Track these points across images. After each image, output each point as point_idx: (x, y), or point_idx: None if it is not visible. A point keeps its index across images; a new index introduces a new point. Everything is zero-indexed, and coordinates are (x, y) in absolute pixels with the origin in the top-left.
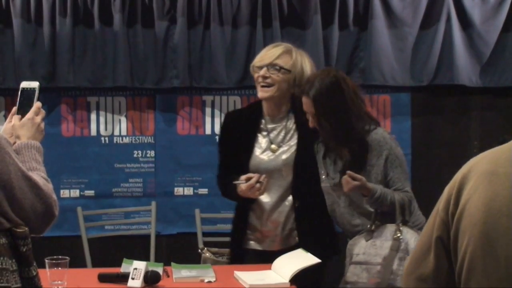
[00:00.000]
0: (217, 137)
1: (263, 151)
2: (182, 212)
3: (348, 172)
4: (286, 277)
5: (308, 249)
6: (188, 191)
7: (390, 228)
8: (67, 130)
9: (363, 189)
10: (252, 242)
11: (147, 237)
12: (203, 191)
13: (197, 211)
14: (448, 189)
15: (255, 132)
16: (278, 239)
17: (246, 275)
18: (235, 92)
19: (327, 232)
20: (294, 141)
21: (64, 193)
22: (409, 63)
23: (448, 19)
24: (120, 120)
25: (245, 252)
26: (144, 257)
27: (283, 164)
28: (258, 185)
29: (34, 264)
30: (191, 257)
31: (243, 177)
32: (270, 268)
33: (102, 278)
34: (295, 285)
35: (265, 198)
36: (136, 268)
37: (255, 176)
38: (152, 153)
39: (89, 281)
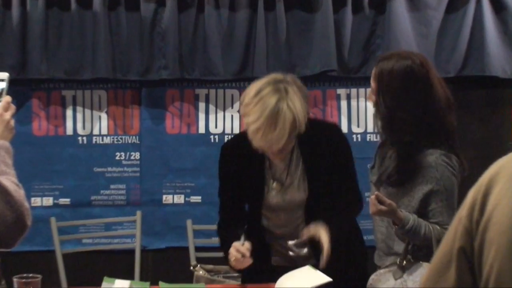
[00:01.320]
0: (212, 137)
1: (270, 189)
2: (171, 223)
3: (377, 193)
4: None
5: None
6: (179, 199)
7: (425, 267)
8: (39, 129)
9: (392, 216)
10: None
11: (131, 252)
12: (196, 199)
13: (188, 222)
14: (473, 194)
15: (262, 170)
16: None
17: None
18: (233, 85)
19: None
20: (300, 173)
21: (36, 201)
22: (433, 52)
23: (479, 1)
24: (100, 117)
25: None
26: (128, 275)
27: (292, 203)
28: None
29: (3, 282)
30: (182, 276)
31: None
32: None
33: None
34: None
35: (278, 230)
36: None
37: (243, 252)
38: (137, 155)
39: None
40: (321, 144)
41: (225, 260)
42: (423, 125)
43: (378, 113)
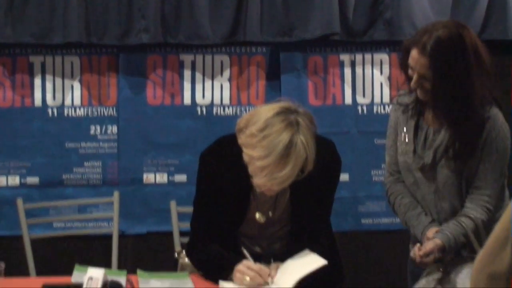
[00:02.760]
0: (198, 109)
1: (251, 220)
2: (153, 205)
3: (421, 251)
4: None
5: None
6: (161, 178)
7: (469, 267)
8: (3, 99)
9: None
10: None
11: (107, 237)
12: (181, 178)
13: (172, 203)
14: None
15: (246, 197)
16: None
17: (235, 286)
18: (222, 50)
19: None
20: (286, 204)
21: (0, 180)
22: (449, 13)
23: None
24: (72, 87)
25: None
26: (104, 263)
27: (274, 235)
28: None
29: None
30: (165, 263)
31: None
32: None
33: None
34: None
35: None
36: (92, 278)
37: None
38: (115, 128)
39: None
40: (312, 169)
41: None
42: (480, 91)
43: (432, 98)
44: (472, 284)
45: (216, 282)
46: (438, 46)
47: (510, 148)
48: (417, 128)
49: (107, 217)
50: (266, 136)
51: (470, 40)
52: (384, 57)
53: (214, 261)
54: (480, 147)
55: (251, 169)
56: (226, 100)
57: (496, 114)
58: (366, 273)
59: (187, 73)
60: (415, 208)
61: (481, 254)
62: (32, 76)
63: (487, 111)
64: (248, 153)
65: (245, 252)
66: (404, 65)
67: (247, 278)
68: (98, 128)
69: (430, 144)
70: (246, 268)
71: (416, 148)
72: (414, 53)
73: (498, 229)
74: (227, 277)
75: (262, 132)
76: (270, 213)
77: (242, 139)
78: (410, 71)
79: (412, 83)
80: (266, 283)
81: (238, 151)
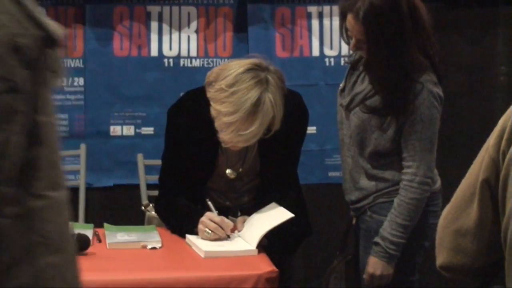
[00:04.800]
0: (166, 60)
1: (221, 175)
2: (120, 158)
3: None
4: (252, 242)
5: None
6: (128, 130)
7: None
8: None
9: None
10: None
11: (74, 190)
12: (148, 130)
13: (139, 156)
14: (502, 122)
15: (214, 152)
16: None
17: (201, 240)
18: (189, 1)
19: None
20: (254, 157)
21: None
22: None
23: None
24: None
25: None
26: (70, 216)
27: (243, 188)
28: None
29: None
30: (132, 216)
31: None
32: (233, 231)
33: None
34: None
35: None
36: None
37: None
38: (81, 80)
39: None
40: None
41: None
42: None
43: (374, 67)
44: (438, 240)
45: (183, 236)
46: (371, 13)
47: (438, 117)
48: (353, 69)
49: (74, 170)
50: (234, 92)
51: (406, 4)
52: None
53: (180, 215)
54: (404, 114)
55: (217, 124)
56: (193, 52)
57: (426, 81)
58: (333, 226)
59: (154, 25)
60: None
61: (447, 210)
62: None
63: (419, 77)
64: (216, 108)
65: (210, 204)
66: (342, 28)
67: (208, 230)
68: (64, 80)
69: (354, 89)
70: (208, 220)
71: (345, 87)
72: (349, 18)
73: (463, 185)
74: (193, 230)
75: (231, 88)
76: (240, 169)
77: (210, 93)
78: (349, 33)
79: (351, 46)
80: (228, 236)
81: (206, 105)
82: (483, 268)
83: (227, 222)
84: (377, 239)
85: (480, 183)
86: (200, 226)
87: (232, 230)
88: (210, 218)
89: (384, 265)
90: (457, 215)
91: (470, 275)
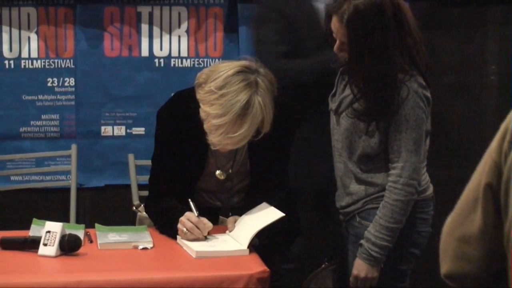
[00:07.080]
0: (156, 61)
1: (210, 176)
2: (111, 158)
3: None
4: (243, 242)
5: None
6: (119, 130)
7: None
8: None
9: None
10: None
11: (65, 190)
12: (139, 130)
13: (130, 156)
14: (505, 124)
15: (204, 154)
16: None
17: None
18: (180, 1)
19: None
20: (244, 159)
21: None
22: None
23: None
24: (29, 38)
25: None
26: (62, 216)
27: (233, 190)
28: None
29: None
30: (123, 217)
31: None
32: (224, 231)
33: (6, 244)
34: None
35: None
36: (50, 231)
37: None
38: (72, 81)
39: None
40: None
41: (166, 231)
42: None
43: (356, 72)
44: (441, 248)
45: (172, 237)
46: (355, 17)
47: (425, 119)
48: (343, 74)
49: (65, 170)
50: (224, 94)
51: (391, 10)
52: None
53: (167, 215)
54: (387, 117)
55: (206, 126)
56: (184, 52)
57: (412, 82)
58: (322, 226)
59: (144, 25)
60: None
61: (451, 217)
62: None
63: (404, 80)
64: (205, 110)
65: (191, 204)
66: (327, 29)
67: (184, 230)
68: (56, 80)
69: (341, 93)
70: (186, 220)
71: (336, 91)
72: (334, 21)
73: (468, 190)
74: (176, 230)
75: (220, 90)
76: (230, 170)
77: (200, 95)
78: (334, 35)
79: (335, 48)
80: (204, 237)
81: (196, 106)
82: (487, 278)
83: (206, 223)
84: (362, 241)
85: (483, 188)
86: (179, 226)
87: (223, 230)
88: (188, 218)
89: (368, 267)
90: (460, 221)
91: (475, 285)
